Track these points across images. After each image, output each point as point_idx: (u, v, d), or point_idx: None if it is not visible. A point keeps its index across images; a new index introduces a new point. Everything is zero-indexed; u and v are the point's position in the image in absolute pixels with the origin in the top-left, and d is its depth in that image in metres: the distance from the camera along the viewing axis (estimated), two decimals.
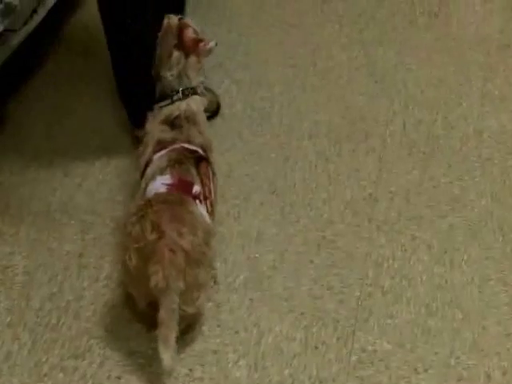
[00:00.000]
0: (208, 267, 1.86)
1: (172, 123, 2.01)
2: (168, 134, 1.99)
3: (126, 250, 1.79)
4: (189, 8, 2.54)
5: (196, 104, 2.05)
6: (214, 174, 2.03)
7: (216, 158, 2.14)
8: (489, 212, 2.23)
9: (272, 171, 2.37)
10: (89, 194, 2.27)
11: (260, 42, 2.87)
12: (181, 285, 1.71)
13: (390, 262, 2.10)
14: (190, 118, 2.02)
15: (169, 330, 1.69)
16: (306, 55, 2.82)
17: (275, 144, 2.46)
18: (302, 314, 1.97)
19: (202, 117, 2.07)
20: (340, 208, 2.25)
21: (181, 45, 2.06)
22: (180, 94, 2.04)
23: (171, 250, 1.71)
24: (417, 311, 1.98)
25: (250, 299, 2.00)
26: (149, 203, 1.81)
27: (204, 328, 1.93)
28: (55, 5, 2.61)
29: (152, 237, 1.73)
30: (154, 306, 1.75)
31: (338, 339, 1.92)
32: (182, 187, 1.87)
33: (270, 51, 2.83)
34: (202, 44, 2.06)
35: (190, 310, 1.79)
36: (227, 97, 2.62)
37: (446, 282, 2.05)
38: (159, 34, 2.09)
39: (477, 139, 2.47)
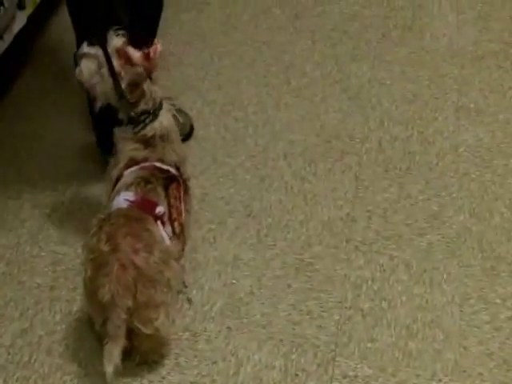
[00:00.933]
0: (167, 287, 1.81)
1: (146, 142, 1.96)
2: (141, 153, 1.95)
3: (83, 263, 1.78)
4: (159, 27, 2.50)
5: (167, 119, 1.99)
6: (187, 188, 2.00)
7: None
8: (467, 228, 2.21)
9: (247, 193, 2.33)
10: (59, 225, 2.23)
11: (232, 61, 2.84)
12: (128, 302, 1.70)
13: (369, 283, 2.07)
14: (164, 137, 1.97)
15: (113, 345, 1.70)
16: (279, 73, 2.79)
17: (250, 165, 2.43)
18: (281, 340, 1.93)
19: (174, 130, 2.02)
20: (317, 229, 2.22)
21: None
22: (151, 117, 1.98)
23: (122, 265, 1.70)
24: (397, 333, 1.95)
25: (228, 327, 1.96)
26: (108, 217, 1.81)
27: (180, 359, 1.88)
28: (22, 29, 2.57)
29: (106, 248, 1.72)
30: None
31: (318, 366, 1.88)
32: (144, 206, 1.85)
33: (243, 70, 2.80)
34: (151, 55, 1.91)
35: (147, 330, 1.75)
36: (200, 118, 2.59)
37: (427, 302, 2.02)
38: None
39: (453, 154, 2.45)
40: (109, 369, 1.69)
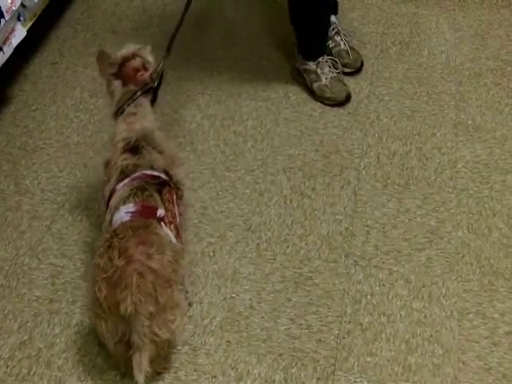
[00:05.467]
0: (181, 285, 1.84)
1: (132, 150, 1.98)
2: (131, 161, 1.97)
3: (94, 284, 1.76)
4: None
5: (148, 120, 2.03)
6: (180, 192, 2.04)
7: (189, 194, 2.12)
8: (465, 244, 2.22)
9: (247, 207, 2.34)
10: (58, 237, 2.23)
11: (232, 75, 2.85)
12: (150, 308, 1.70)
13: (369, 297, 2.07)
14: (147, 138, 2.00)
15: (141, 353, 1.71)
16: (279, 88, 2.80)
17: (250, 179, 2.43)
18: (281, 355, 1.93)
19: (157, 133, 2.05)
20: (316, 244, 2.22)
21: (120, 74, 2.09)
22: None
23: (139, 274, 1.71)
24: (397, 348, 1.95)
25: (227, 341, 1.95)
26: (114, 233, 1.80)
27: (180, 373, 1.88)
28: (21, 42, 2.58)
29: (120, 263, 1.72)
30: (124, 347, 1.74)
31: (318, 380, 1.88)
32: (146, 213, 1.87)
33: (243, 85, 2.81)
34: (139, 74, 2.09)
35: (164, 334, 1.75)
36: (200, 132, 2.60)
37: (425, 316, 2.02)
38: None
39: (451, 170, 2.46)
40: (140, 379, 1.71)
